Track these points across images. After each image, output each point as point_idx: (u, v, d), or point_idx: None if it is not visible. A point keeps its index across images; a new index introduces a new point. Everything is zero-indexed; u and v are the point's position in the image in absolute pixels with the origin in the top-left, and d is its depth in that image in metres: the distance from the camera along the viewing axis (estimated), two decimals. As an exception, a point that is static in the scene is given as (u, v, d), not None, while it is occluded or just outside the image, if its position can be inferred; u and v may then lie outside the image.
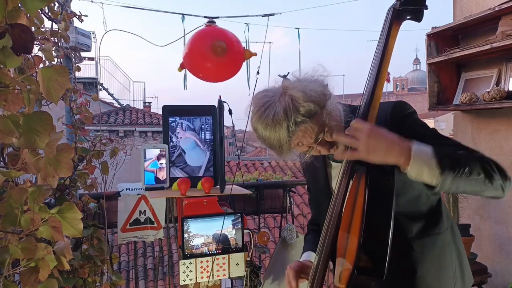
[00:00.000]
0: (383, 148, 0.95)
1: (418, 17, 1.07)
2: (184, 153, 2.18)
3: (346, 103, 1.22)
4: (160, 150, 2.06)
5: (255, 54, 2.20)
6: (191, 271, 1.95)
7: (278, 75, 1.16)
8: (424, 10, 1.07)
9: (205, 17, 2.26)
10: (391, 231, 0.91)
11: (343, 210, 1.06)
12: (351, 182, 1.07)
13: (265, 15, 2.83)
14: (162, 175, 2.06)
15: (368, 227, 0.91)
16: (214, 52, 2.02)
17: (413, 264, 1.15)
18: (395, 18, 1.06)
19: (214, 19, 2.24)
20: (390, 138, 0.97)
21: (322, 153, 1.15)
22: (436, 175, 0.95)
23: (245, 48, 2.19)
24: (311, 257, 1.33)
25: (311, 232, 1.47)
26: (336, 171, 1.25)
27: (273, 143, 1.07)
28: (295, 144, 1.09)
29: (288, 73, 1.15)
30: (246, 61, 2.24)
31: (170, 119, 2.17)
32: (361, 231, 0.91)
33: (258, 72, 2.19)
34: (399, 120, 1.11)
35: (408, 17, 1.06)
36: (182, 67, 2.18)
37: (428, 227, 1.18)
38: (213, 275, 1.98)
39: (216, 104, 2.08)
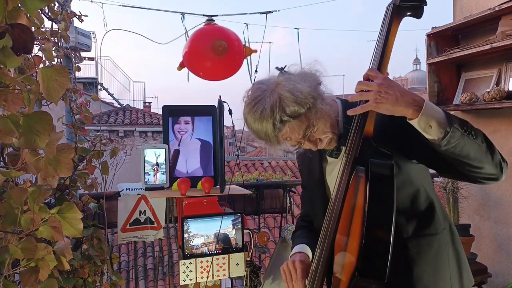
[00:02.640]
0: (394, 96, 0.95)
1: (418, 14, 1.06)
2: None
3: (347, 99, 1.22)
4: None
5: (255, 51, 2.21)
6: (191, 271, 1.95)
7: (276, 68, 1.17)
8: (425, 9, 1.06)
9: (204, 15, 2.26)
10: (392, 232, 0.91)
11: (342, 211, 1.05)
12: (350, 183, 1.07)
13: (263, 13, 2.83)
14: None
15: (370, 228, 0.90)
16: (214, 52, 2.02)
17: (409, 264, 1.15)
18: (395, 14, 1.05)
19: (213, 18, 2.24)
20: (402, 88, 0.98)
21: (311, 149, 1.17)
22: (444, 129, 0.95)
23: (245, 45, 2.20)
24: (305, 249, 1.30)
25: (300, 228, 1.45)
26: (332, 167, 1.25)
27: (261, 135, 1.11)
28: (283, 138, 1.12)
29: (286, 66, 1.16)
30: (248, 58, 2.25)
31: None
32: (362, 233, 0.90)
33: (256, 71, 2.19)
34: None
35: (408, 14, 1.06)
36: (181, 66, 2.18)
37: (424, 227, 1.17)
38: (213, 275, 1.98)
39: (216, 104, 2.08)
